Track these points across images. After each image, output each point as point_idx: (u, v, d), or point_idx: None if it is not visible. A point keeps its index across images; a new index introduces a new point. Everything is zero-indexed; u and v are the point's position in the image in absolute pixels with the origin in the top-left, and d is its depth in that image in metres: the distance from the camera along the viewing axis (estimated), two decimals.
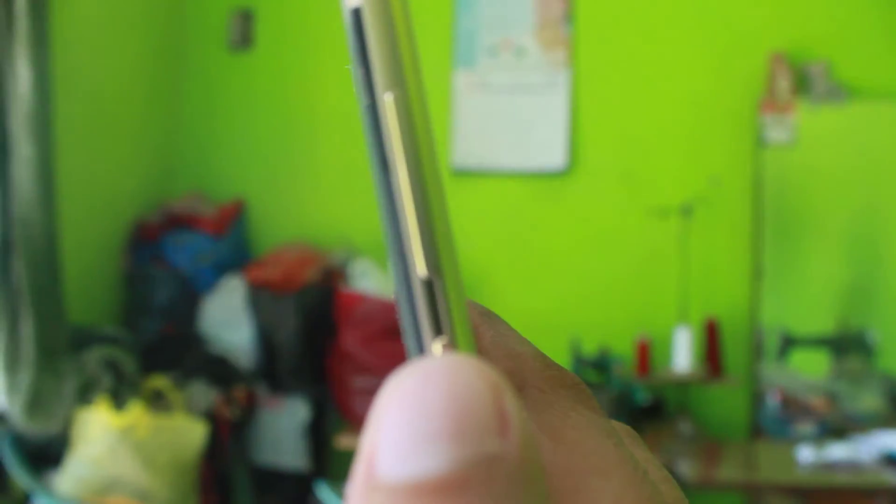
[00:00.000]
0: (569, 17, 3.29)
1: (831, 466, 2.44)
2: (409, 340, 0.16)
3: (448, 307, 0.15)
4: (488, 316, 0.19)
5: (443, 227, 0.16)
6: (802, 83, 3.08)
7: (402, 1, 0.16)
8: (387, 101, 0.16)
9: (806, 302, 3.17)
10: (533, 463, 0.13)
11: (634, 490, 0.16)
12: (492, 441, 0.12)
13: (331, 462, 3.25)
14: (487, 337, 0.18)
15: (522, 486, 0.12)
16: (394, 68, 0.16)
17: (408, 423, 0.13)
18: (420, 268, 0.15)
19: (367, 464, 0.13)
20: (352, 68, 0.16)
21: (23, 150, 2.56)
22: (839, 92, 3.03)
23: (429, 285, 0.15)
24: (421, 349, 0.15)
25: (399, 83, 0.16)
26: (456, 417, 0.12)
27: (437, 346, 0.15)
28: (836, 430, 2.87)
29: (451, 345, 0.15)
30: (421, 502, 0.12)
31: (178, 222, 3.30)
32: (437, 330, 0.15)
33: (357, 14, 0.16)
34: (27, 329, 2.52)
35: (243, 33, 3.54)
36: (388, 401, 0.13)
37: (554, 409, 0.18)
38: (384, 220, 0.16)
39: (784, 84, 3.04)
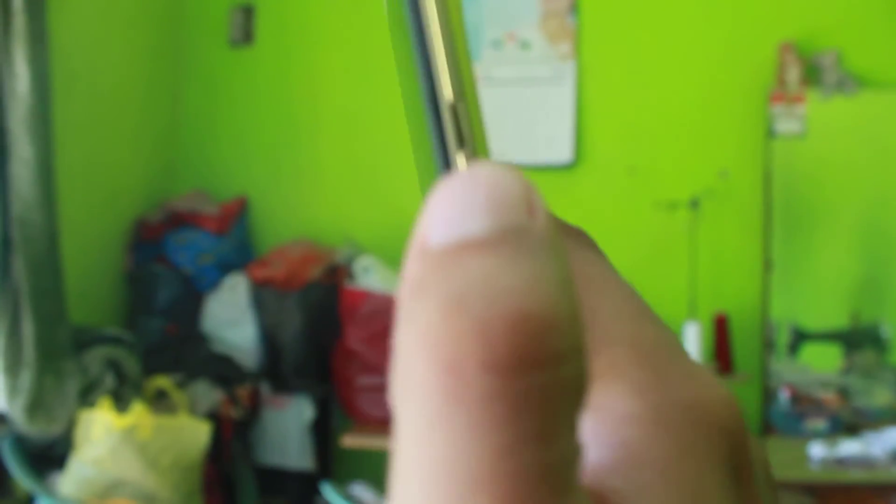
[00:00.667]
0: (574, 8, 3.25)
1: (843, 463, 2.40)
2: (436, 157, 0.19)
3: (470, 125, 0.18)
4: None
5: (466, 64, 0.18)
6: (812, 73, 3.03)
7: None
8: None
9: (817, 296, 3.12)
10: (556, 238, 0.15)
11: (633, 304, 0.19)
12: (522, 217, 0.15)
13: (336, 462, 3.22)
14: None
15: (549, 250, 0.15)
16: None
17: (453, 206, 0.15)
18: (447, 94, 0.18)
19: (419, 238, 0.15)
20: None
21: (22, 149, 2.54)
22: (850, 82, 2.98)
23: (454, 108, 0.18)
24: (447, 160, 0.18)
25: None
26: (494, 200, 0.15)
27: (460, 156, 0.18)
28: (849, 426, 2.83)
29: (472, 155, 0.18)
30: (463, 257, 0.14)
31: (180, 221, 3.27)
32: (461, 144, 0.18)
33: None
34: (28, 330, 2.50)
35: (244, 29, 3.51)
36: (439, 193, 0.15)
37: None
38: (418, 62, 0.18)
39: (794, 74, 2.99)
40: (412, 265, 0.15)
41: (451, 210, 0.15)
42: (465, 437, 0.13)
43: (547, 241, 0.15)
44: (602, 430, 0.16)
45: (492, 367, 0.13)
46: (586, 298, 0.18)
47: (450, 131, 0.18)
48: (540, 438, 0.13)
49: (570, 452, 0.14)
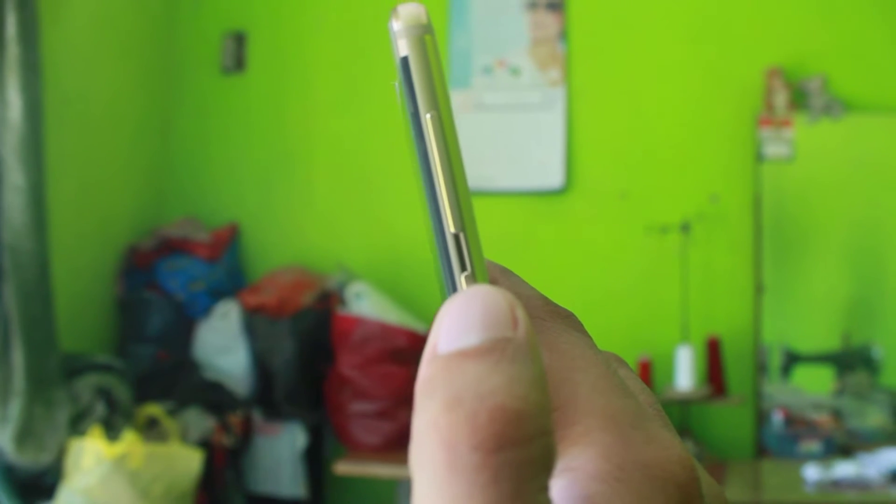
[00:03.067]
0: (563, 34, 3.28)
1: (839, 485, 2.39)
2: (444, 279, 0.24)
3: (469, 252, 0.23)
4: (503, 270, 0.27)
5: (465, 198, 0.24)
6: (800, 98, 3.06)
7: (435, 51, 0.24)
8: (428, 118, 0.24)
9: (808, 318, 3.13)
10: (533, 345, 0.20)
11: (606, 380, 0.23)
12: (508, 331, 0.20)
13: (329, 489, 3.19)
14: (503, 284, 0.26)
15: (526, 356, 0.20)
16: (431, 97, 0.24)
17: (456, 322, 0.20)
18: (450, 226, 0.23)
19: (432, 346, 0.20)
20: (402, 94, 0.25)
21: (14, 177, 2.54)
22: (837, 106, 3.02)
23: (456, 238, 0.23)
24: (452, 281, 0.23)
25: (434, 107, 0.24)
26: (486, 316, 0.20)
27: (462, 278, 0.23)
28: (843, 447, 2.83)
29: (472, 276, 0.23)
30: (462, 364, 0.19)
31: (172, 247, 3.27)
32: (462, 267, 0.23)
33: (405, 61, 0.24)
34: (18, 358, 2.48)
35: (236, 56, 3.53)
36: (444, 311, 0.20)
37: (551, 331, 0.24)
38: (426, 195, 0.24)
39: (781, 99, 3.02)
40: (425, 367, 0.20)
41: (453, 326, 0.20)
42: (462, 497, 0.18)
43: (524, 348, 0.20)
44: (574, 486, 0.21)
45: (477, 447, 0.18)
46: (569, 375, 0.23)
47: (454, 257, 0.23)
48: (515, 498, 0.18)
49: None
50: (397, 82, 0.27)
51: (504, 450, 0.18)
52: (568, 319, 0.26)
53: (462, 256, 0.23)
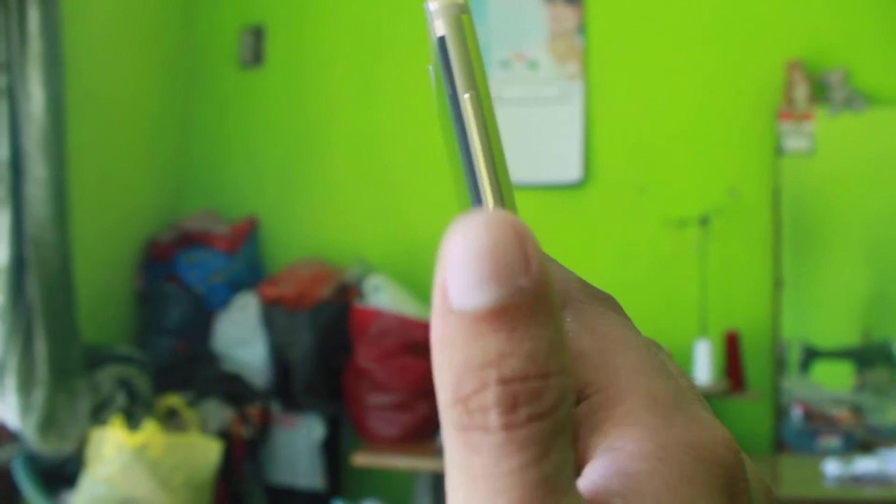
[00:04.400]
0: (581, 28, 3.27)
1: (859, 480, 2.38)
2: None
3: None
4: (547, 256, 0.26)
5: (506, 180, 0.23)
6: (820, 91, 3.04)
7: (472, 31, 0.24)
8: (466, 98, 0.23)
9: (828, 313, 3.11)
10: (548, 286, 0.20)
11: (647, 362, 0.23)
12: (520, 278, 0.19)
13: (347, 480, 3.21)
14: None
15: (543, 307, 0.19)
16: (469, 77, 0.23)
17: (466, 263, 0.19)
18: (490, 202, 0.23)
19: (441, 293, 0.20)
20: (440, 74, 0.24)
21: (36, 169, 2.57)
22: (858, 99, 2.99)
23: None
24: None
25: (473, 87, 0.23)
26: (496, 262, 0.19)
27: None
28: (862, 443, 2.81)
29: None
30: (479, 323, 0.19)
31: (191, 240, 3.29)
32: None
33: (442, 41, 0.24)
34: (41, 349, 2.51)
35: (254, 50, 3.54)
36: (451, 245, 0.20)
37: (590, 313, 0.24)
38: (466, 177, 0.24)
39: (802, 92, 3.00)
40: (439, 320, 0.20)
41: (464, 271, 0.20)
42: (491, 462, 0.19)
43: (541, 296, 0.20)
44: (616, 464, 0.21)
45: (502, 425, 0.19)
46: (610, 357, 0.23)
47: None
48: (537, 462, 0.19)
49: (564, 469, 0.19)
50: (431, 65, 0.27)
51: (530, 422, 0.19)
52: (607, 301, 0.26)
53: None
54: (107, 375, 2.72)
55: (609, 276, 3.17)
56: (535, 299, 0.19)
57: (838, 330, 3.06)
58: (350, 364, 3.06)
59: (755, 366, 3.01)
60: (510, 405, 0.19)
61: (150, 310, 3.23)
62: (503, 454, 0.19)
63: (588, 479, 0.21)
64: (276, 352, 3.08)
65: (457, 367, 0.20)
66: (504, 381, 0.19)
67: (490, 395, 0.19)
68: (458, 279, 0.20)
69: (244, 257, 3.34)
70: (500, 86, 3.30)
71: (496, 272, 0.19)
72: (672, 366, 0.25)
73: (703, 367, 2.86)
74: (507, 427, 0.19)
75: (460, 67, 0.23)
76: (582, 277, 0.26)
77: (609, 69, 3.25)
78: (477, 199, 0.24)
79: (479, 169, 0.23)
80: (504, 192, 0.23)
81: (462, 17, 0.24)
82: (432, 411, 2.95)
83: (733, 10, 3.16)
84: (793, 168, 3.05)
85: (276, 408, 3.06)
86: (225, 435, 2.78)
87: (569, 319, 0.24)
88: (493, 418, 0.19)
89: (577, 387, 0.23)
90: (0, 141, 2.53)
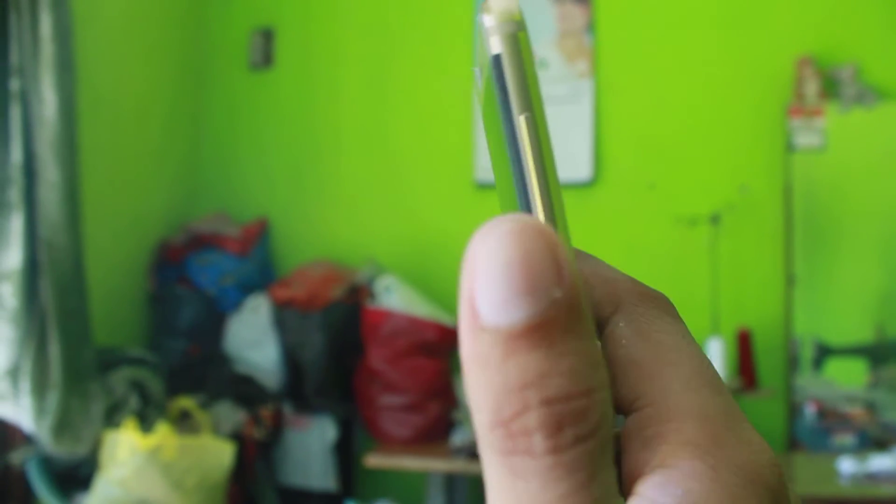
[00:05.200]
0: (590, 26, 3.27)
1: (875, 478, 2.36)
2: None
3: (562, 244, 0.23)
4: (584, 254, 0.26)
5: (559, 204, 0.23)
6: (831, 87, 3.02)
7: (529, 49, 0.23)
8: (522, 120, 0.23)
9: (841, 310, 3.09)
10: (581, 296, 0.19)
11: (700, 377, 0.22)
12: (553, 290, 0.19)
13: (359, 481, 3.21)
14: (587, 270, 0.25)
15: (578, 319, 0.19)
16: (525, 97, 0.23)
17: (495, 277, 0.19)
18: (539, 209, 0.23)
19: (469, 307, 0.19)
20: (491, 88, 0.24)
21: (49, 173, 2.58)
22: (869, 94, 2.97)
23: None
24: None
25: (528, 108, 0.23)
26: (528, 275, 0.19)
27: None
28: (877, 440, 2.79)
29: None
30: (515, 342, 0.18)
31: (202, 242, 3.30)
32: None
33: (498, 59, 0.23)
34: (54, 351, 2.52)
35: (264, 52, 3.55)
36: (478, 254, 0.19)
37: (643, 317, 0.24)
38: (519, 199, 0.23)
39: (812, 88, 2.99)
40: (471, 339, 0.19)
41: (494, 286, 0.19)
42: (538, 488, 0.19)
43: (575, 310, 0.19)
44: (670, 483, 0.21)
45: (548, 437, 0.18)
46: (661, 369, 0.23)
47: None
48: (587, 485, 0.19)
49: (611, 489, 0.19)
50: (478, 67, 0.27)
51: (577, 444, 0.18)
52: (660, 302, 0.25)
53: None
54: (120, 378, 2.73)
55: None
56: (570, 311, 0.19)
57: (851, 327, 3.04)
58: (362, 365, 3.06)
59: (768, 363, 3.00)
60: (555, 427, 0.18)
61: (163, 312, 3.24)
62: (551, 479, 0.18)
63: (641, 497, 0.21)
64: (288, 353, 3.09)
65: (495, 388, 0.19)
66: (547, 402, 0.18)
67: (533, 418, 0.18)
68: (489, 293, 0.19)
69: (255, 259, 3.35)
70: None
71: (529, 285, 0.19)
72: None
73: (716, 364, 2.85)
74: (554, 451, 0.18)
75: (516, 88, 0.23)
76: (631, 276, 0.25)
77: (618, 67, 3.24)
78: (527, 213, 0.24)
79: (532, 191, 0.23)
80: (557, 216, 0.23)
81: (519, 35, 0.23)
82: (444, 412, 2.95)
83: (743, 6, 3.16)
84: (804, 164, 3.04)
85: (288, 409, 3.06)
86: (238, 437, 2.78)
87: (622, 324, 0.24)
88: (539, 442, 0.18)
89: (629, 398, 0.22)
90: (13, 145, 2.54)
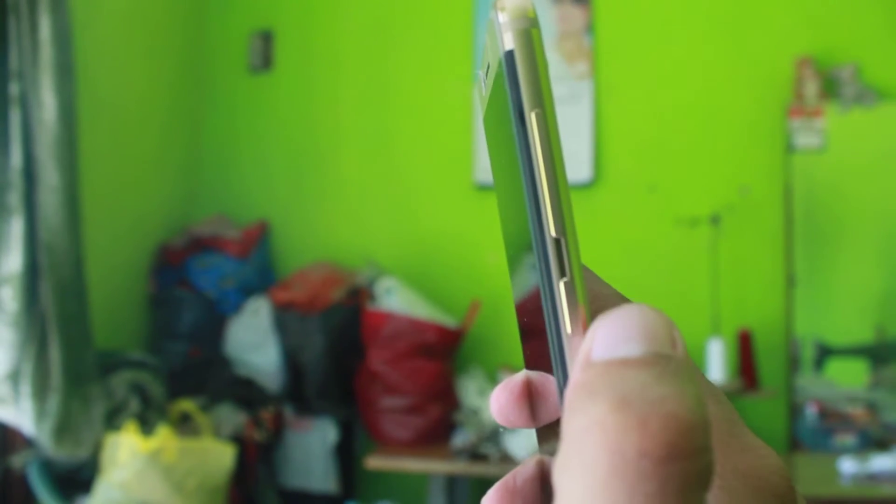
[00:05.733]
0: (590, 28, 3.27)
1: (876, 478, 2.36)
2: (542, 283, 0.23)
3: (570, 258, 0.23)
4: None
5: (567, 202, 0.23)
6: (830, 87, 3.03)
7: (541, 46, 0.23)
8: (533, 116, 0.23)
9: (841, 310, 3.09)
10: (693, 368, 0.20)
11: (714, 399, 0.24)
12: (668, 348, 0.19)
13: (360, 483, 3.21)
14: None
15: (688, 374, 0.19)
16: (537, 94, 0.23)
17: (613, 333, 0.19)
18: (551, 230, 0.23)
19: (584, 354, 0.20)
20: (502, 85, 0.24)
21: (49, 176, 2.58)
22: (868, 95, 2.97)
23: (557, 242, 0.23)
24: (550, 287, 0.23)
25: (540, 104, 0.23)
26: (646, 331, 0.19)
27: (560, 284, 0.23)
28: (878, 441, 2.79)
29: (571, 283, 0.23)
30: (624, 370, 0.19)
31: (202, 245, 3.30)
32: (562, 273, 0.23)
33: (511, 55, 0.23)
34: (55, 355, 2.52)
35: (263, 55, 3.55)
36: (599, 323, 0.20)
37: None
38: (527, 195, 0.23)
39: (812, 88, 2.99)
40: (578, 374, 0.20)
41: (610, 338, 0.19)
42: (627, 489, 0.18)
43: (687, 366, 0.19)
44: None
45: (646, 453, 0.18)
46: None
47: (553, 262, 0.23)
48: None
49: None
50: (482, 70, 0.27)
51: (674, 460, 0.18)
52: None
53: (562, 262, 0.23)
54: (120, 381, 2.73)
55: (620, 276, 3.16)
56: (681, 365, 0.19)
57: (852, 327, 3.04)
58: (362, 367, 3.06)
59: (769, 364, 3.00)
60: (657, 443, 0.18)
61: (163, 315, 3.24)
62: (640, 493, 0.18)
63: None
64: (289, 356, 3.09)
65: (601, 401, 0.19)
66: (654, 414, 0.18)
67: (637, 426, 0.18)
68: (604, 339, 0.19)
69: (256, 261, 3.35)
70: None
71: (645, 335, 0.19)
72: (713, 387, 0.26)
73: (717, 365, 2.85)
74: (650, 465, 0.18)
75: (528, 84, 0.23)
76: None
77: (618, 69, 3.24)
78: (536, 214, 0.23)
79: (542, 187, 0.23)
80: (565, 216, 0.23)
81: (532, 32, 0.23)
82: (445, 414, 2.95)
83: (742, 7, 3.16)
84: (804, 165, 3.04)
85: (289, 412, 3.06)
86: (238, 439, 2.78)
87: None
88: (636, 452, 0.18)
89: None
90: (13, 148, 2.54)
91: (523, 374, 0.29)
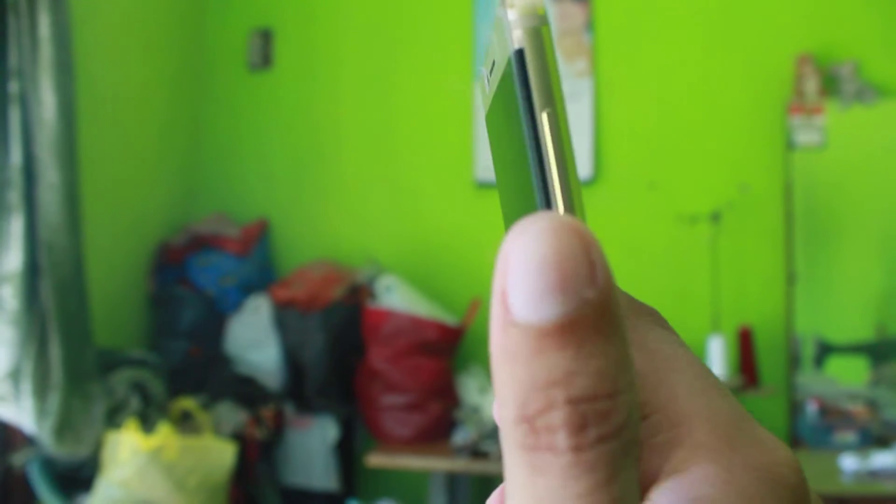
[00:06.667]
0: (589, 25, 3.26)
1: (877, 475, 2.36)
2: None
3: None
4: None
5: (579, 203, 0.23)
6: (830, 84, 3.02)
7: (551, 44, 0.23)
8: (544, 116, 0.23)
9: (841, 307, 3.09)
10: (614, 298, 0.19)
11: (703, 380, 0.23)
12: (586, 290, 0.19)
13: (361, 481, 3.21)
14: None
15: (610, 321, 0.19)
16: (547, 93, 0.23)
17: (529, 273, 0.19)
18: (561, 208, 0.22)
19: (500, 302, 0.19)
20: (510, 84, 0.24)
21: (49, 175, 2.58)
22: (868, 92, 2.97)
23: None
24: None
25: (550, 103, 0.23)
26: (561, 273, 0.18)
27: None
28: (879, 438, 2.79)
29: None
30: (544, 339, 0.18)
31: (203, 243, 3.30)
32: None
33: (520, 54, 0.23)
34: (55, 353, 2.52)
35: (263, 53, 3.55)
36: (512, 250, 0.19)
37: (639, 329, 0.24)
38: (537, 195, 0.23)
39: (812, 85, 2.99)
40: (500, 333, 0.19)
41: (527, 282, 0.19)
42: (557, 485, 0.19)
43: (607, 310, 0.19)
44: (683, 489, 0.20)
45: (570, 446, 0.18)
46: (665, 376, 0.23)
47: None
48: (606, 484, 0.19)
49: (631, 490, 0.19)
50: (485, 67, 0.27)
51: (599, 444, 0.18)
52: (652, 316, 0.25)
53: None
54: (121, 379, 2.73)
55: (620, 274, 3.15)
56: (602, 313, 0.19)
57: (852, 324, 3.04)
58: (363, 365, 3.06)
59: (769, 361, 3.00)
60: (579, 426, 0.18)
61: (163, 313, 3.24)
62: (571, 476, 0.18)
63: None
64: (289, 354, 3.09)
65: (521, 384, 0.19)
66: (572, 401, 0.18)
67: (558, 416, 0.18)
68: (521, 290, 0.19)
69: (256, 260, 3.35)
70: None
71: (562, 283, 0.19)
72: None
73: (717, 363, 2.85)
74: (576, 449, 0.18)
75: (539, 83, 0.23)
76: (626, 292, 0.25)
77: (618, 66, 3.24)
78: (546, 207, 0.23)
79: (554, 189, 0.23)
80: (577, 212, 0.23)
81: (542, 30, 0.23)
82: (445, 411, 2.95)
83: (742, 4, 3.15)
84: (804, 162, 3.04)
85: (289, 409, 3.06)
86: (239, 437, 2.78)
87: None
88: (561, 439, 0.18)
89: None
90: (13, 147, 2.54)
91: None
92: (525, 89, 0.23)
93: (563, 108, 0.23)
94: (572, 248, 0.19)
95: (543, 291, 0.19)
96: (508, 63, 0.24)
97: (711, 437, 0.21)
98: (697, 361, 0.24)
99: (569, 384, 0.18)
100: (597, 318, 0.19)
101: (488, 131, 0.29)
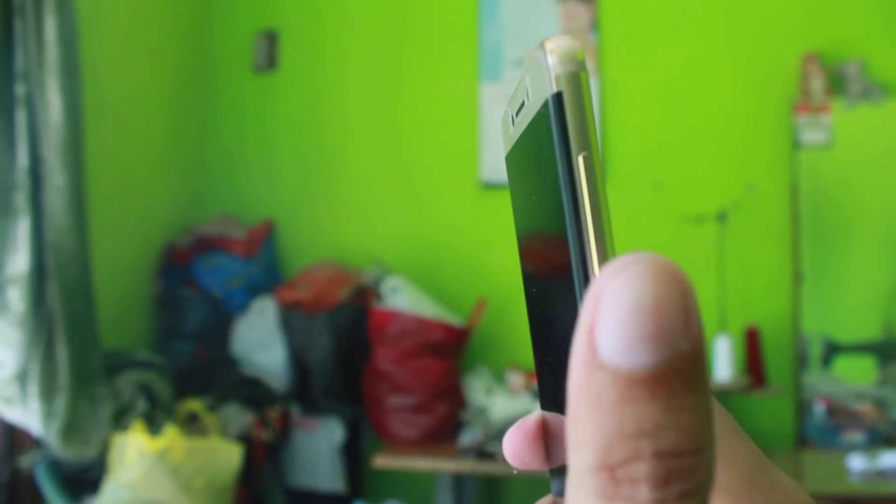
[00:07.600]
0: (595, 25, 3.26)
1: (885, 475, 2.35)
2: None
3: None
4: None
5: (611, 246, 0.23)
6: (837, 83, 3.01)
7: (588, 89, 0.24)
8: (580, 159, 0.23)
9: (849, 307, 3.08)
10: (704, 352, 0.19)
11: (723, 422, 0.23)
12: (681, 341, 0.18)
13: (367, 482, 3.21)
14: None
15: (699, 376, 0.18)
16: (584, 137, 0.23)
17: (623, 317, 0.18)
18: (596, 271, 0.23)
19: (587, 341, 0.18)
20: (547, 126, 0.24)
21: (55, 177, 2.58)
22: (875, 90, 2.96)
23: None
24: None
25: (587, 147, 0.23)
26: (658, 321, 0.18)
27: None
28: (887, 437, 2.78)
29: None
30: (634, 388, 0.18)
31: (208, 245, 3.30)
32: None
33: (559, 97, 0.24)
34: (62, 355, 2.52)
35: (268, 55, 3.56)
36: (607, 288, 0.18)
37: None
38: (571, 237, 0.23)
39: (818, 84, 2.98)
40: (585, 374, 0.19)
41: (619, 329, 0.18)
42: None
43: (698, 365, 0.18)
44: None
45: (654, 489, 0.18)
46: None
47: None
48: None
49: None
50: (509, 108, 0.27)
51: (680, 499, 0.18)
52: None
53: None
54: (127, 381, 2.73)
55: None
56: (693, 365, 0.18)
57: (859, 324, 3.03)
58: (369, 366, 3.06)
59: (776, 361, 2.99)
60: (663, 481, 0.18)
61: (169, 315, 3.25)
62: None
63: None
64: (295, 355, 3.09)
65: (606, 431, 0.18)
66: (659, 455, 0.18)
67: (642, 469, 0.18)
68: (613, 333, 0.18)
69: (262, 261, 3.35)
70: (513, 85, 3.29)
71: (657, 332, 0.18)
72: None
73: (724, 363, 2.84)
74: (656, 496, 0.18)
75: (576, 127, 0.23)
76: None
77: (623, 66, 3.24)
78: (580, 256, 0.24)
79: (587, 230, 0.23)
80: (609, 253, 0.23)
81: (581, 75, 0.24)
82: (452, 412, 2.95)
83: (747, 3, 3.15)
84: (810, 161, 3.03)
85: (295, 411, 3.06)
86: (245, 439, 2.78)
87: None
88: (643, 493, 0.18)
89: None
90: (19, 149, 2.55)
91: (538, 414, 0.28)
92: (562, 132, 0.24)
93: (599, 152, 0.24)
94: (671, 297, 0.18)
95: (637, 338, 0.18)
96: (545, 105, 0.24)
97: (732, 480, 0.22)
98: (716, 404, 0.23)
99: (657, 437, 0.18)
100: (688, 370, 0.18)
101: (508, 170, 0.30)
